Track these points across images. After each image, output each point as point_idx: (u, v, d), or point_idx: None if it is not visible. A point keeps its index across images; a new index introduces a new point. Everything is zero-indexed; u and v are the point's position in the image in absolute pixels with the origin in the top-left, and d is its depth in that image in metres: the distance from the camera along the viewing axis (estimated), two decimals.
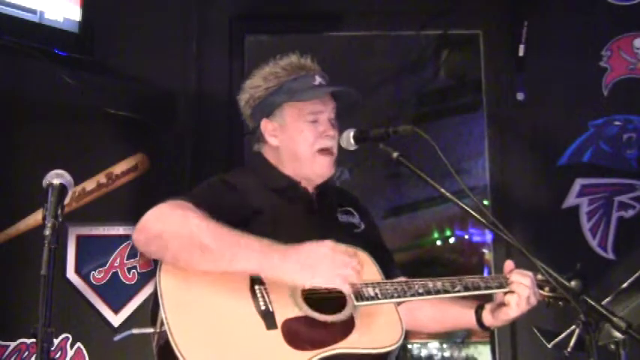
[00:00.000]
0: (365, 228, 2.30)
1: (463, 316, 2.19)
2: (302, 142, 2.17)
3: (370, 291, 1.97)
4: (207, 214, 1.89)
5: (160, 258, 1.89)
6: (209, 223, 1.86)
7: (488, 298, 2.17)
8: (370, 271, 2.08)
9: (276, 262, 1.83)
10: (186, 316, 1.80)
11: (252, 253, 1.83)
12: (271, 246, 1.85)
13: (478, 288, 2.10)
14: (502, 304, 2.09)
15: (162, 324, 1.78)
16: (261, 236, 1.93)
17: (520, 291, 2.04)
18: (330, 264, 1.84)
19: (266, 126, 2.22)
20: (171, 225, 1.87)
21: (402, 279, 2.13)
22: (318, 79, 2.20)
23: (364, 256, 2.10)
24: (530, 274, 2.09)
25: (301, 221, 2.14)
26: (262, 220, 2.05)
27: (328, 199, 2.28)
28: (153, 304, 1.88)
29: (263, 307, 1.86)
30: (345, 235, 2.14)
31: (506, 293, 2.07)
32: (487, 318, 2.13)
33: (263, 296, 1.88)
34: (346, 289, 1.87)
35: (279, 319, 1.85)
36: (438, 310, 2.24)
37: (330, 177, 2.26)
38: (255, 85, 2.23)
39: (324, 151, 2.17)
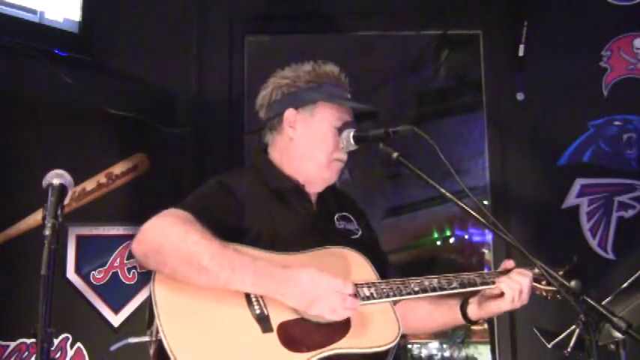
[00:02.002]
0: (362, 234, 2.30)
1: (449, 313, 2.22)
2: (322, 147, 2.20)
3: (365, 291, 1.98)
4: (206, 226, 1.89)
5: (158, 271, 1.88)
6: (208, 241, 1.86)
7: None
8: (365, 272, 2.08)
9: (273, 288, 1.86)
10: (181, 324, 1.79)
11: (247, 277, 1.85)
12: (268, 270, 1.87)
13: (474, 284, 2.12)
14: (492, 297, 2.12)
15: (157, 332, 1.78)
16: (259, 245, 1.96)
17: (514, 284, 2.08)
18: (328, 300, 1.85)
19: (289, 115, 2.23)
20: (170, 240, 1.86)
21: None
22: (349, 96, 2.28)
23: (359, 258, 2.11)
24: (528, 272, 2.12)
25: (300, 229, 2.14)
26: (261, 228, 2.06)
27: (327, 204, 2.29)
28: (148, 313, 1.88)
29: (258, 311, 1.86)
30: (342, 241, 2.16)
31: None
32: (472, 311, 2.17)
33: (258, 300, 1.89)
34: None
35: (275, 323, 1.86)
36: (427, 310, 2.26)
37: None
38: (297, 75, 2.26)
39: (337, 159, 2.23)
